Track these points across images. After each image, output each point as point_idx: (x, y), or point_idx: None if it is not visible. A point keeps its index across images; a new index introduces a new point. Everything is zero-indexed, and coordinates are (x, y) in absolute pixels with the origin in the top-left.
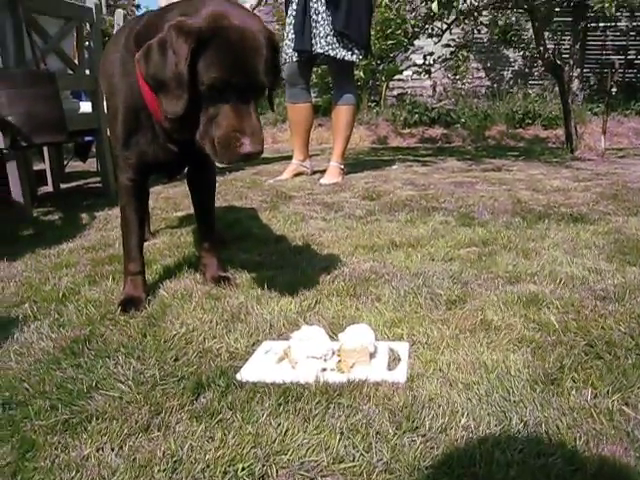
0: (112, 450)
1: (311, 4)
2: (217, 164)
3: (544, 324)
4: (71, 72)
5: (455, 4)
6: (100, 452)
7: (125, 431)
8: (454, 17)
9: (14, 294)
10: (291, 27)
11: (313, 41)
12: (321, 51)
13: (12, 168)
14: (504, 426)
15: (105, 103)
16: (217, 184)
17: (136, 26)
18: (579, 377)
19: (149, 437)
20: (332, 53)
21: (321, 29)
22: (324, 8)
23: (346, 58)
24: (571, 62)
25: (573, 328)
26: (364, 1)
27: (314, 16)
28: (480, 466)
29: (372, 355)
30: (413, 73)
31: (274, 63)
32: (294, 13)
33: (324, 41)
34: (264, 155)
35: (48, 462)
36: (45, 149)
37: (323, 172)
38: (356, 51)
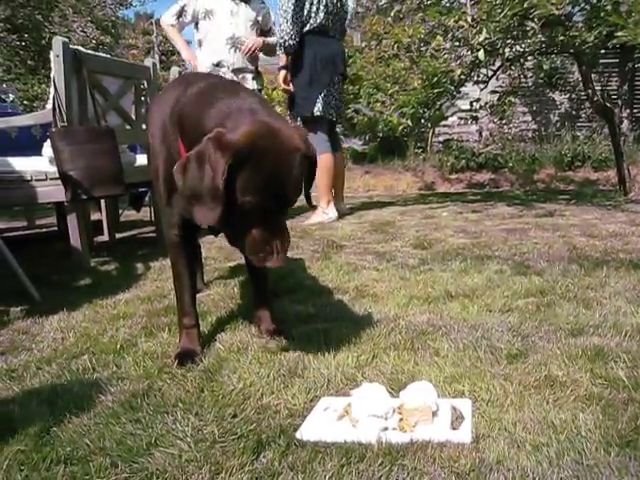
0: None
1: None
2: None
3: (612, 380)
4: (129, 127)
5: (501, 51)
6: None
7: None
8: (500, 64)
9: (73, 345)
10: None
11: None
12: None
13: (72, 220)
14: None
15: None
16: None
17: (182, 97)
18: None
19: None
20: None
21: None
22: None
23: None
24: (619, 103)
25: None
26: (301, 71)
27: None
28: None
29: (434, 413)
30: (458, 119)
31: (299, 180)
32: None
33: None
34: None
35: None
36: (102, 200)
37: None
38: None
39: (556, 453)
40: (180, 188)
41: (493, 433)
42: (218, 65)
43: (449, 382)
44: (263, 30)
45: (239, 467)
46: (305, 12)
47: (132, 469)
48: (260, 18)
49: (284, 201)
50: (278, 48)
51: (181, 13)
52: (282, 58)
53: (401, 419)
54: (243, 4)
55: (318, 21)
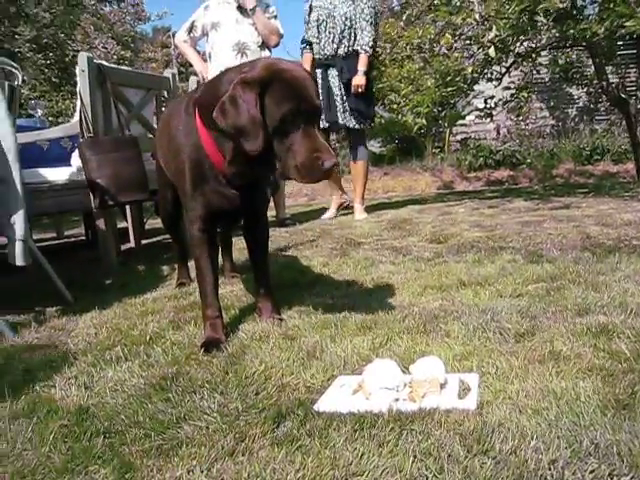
0: (201, 472)
1: (331, 85)
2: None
3: (615, 353)
4: (151, 136)
5: (512, 48)
6: (191, 474)
7: (212, 455)
8: (512, 60)
9: (106, 338)
10: None
11: (338, 114)
12: (342, 122)
13: (101, 225)
14: (575, 448)
15: (163, 164)
16: (288, 234)
17: (194, 95)
18: None
19: (235, 461)
20: (350, 125)
21: (339, 106)
22: (338, 90)
23: (362, 127)
24: (639, 94)
25: None
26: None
27: (334, 96)
28: None
29: (442, 385)
30: (475, 117)
31: (318, 93)
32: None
33: (341, 115)
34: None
35: None
36: (127, 208)
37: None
38: (366, 121)
39: (555, 416)
40: (223, 128)
41: (497, 401)
42: None
43: (458, 359)
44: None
45: (261, 435)
46: None
47: (164, 438)
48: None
49: (315, 107)
50: (369, 51)
51: (191, 28)
52: (366, 62)
53: (411, 391)
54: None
55: None
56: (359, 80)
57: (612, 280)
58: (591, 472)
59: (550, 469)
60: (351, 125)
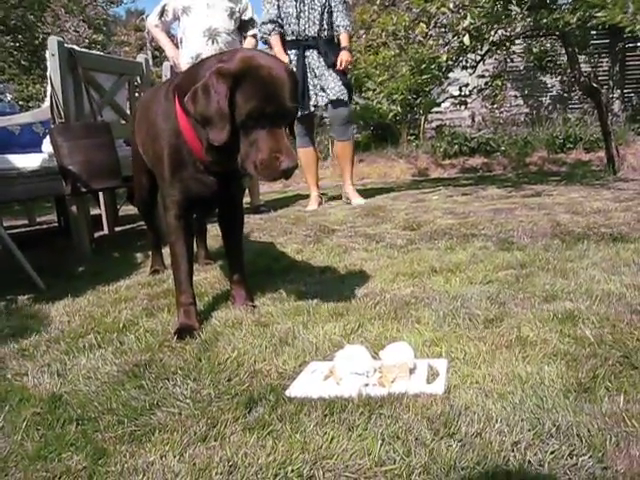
0: (174, 457)
1: (312, 67)
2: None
3: (579, 338)
4: (124, 122)
5: (486, 36)
6: (163, 459)
7: (185, 441)
8: (487, 49)
9: (79, 326)
10: None
11: (318, 96)
12: (341, 98)
13: (73, 212)
14: (537, 430)
15: (141, 150)
16: (262, 221)
17: (174, 81)
18: (613, 386)
19: (207, 446)
20: (344, 97)
21: (330, 82)
22: (319, 70)
23: (351, 101)
24: (611, 83)
25: (609, 341)
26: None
27: (315, 78)
28: (513, 465)
29: (412, 371)
30: (450, 105)
31: (295, 94)
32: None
33: (338, 90)
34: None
35: (118, 467)
36: (101, 195)
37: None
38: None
39: (520, 399)
40: (194, 114)
41: (464, 385)
42: (197, 59)
43: (428, 345)
44: (243, 20)
45: (233, 420)
46: None
47: (137, 424)
48: (238, 7)
49: (283, 108)
50: (351, 31)
51: (163, 12)
52: (349, 39)
53: (381, 376)
54: None
55: None
56: (347, 56)
57: (580, 267)
58: (552, 453)
59: (513, 450)
60: (344, 98)
